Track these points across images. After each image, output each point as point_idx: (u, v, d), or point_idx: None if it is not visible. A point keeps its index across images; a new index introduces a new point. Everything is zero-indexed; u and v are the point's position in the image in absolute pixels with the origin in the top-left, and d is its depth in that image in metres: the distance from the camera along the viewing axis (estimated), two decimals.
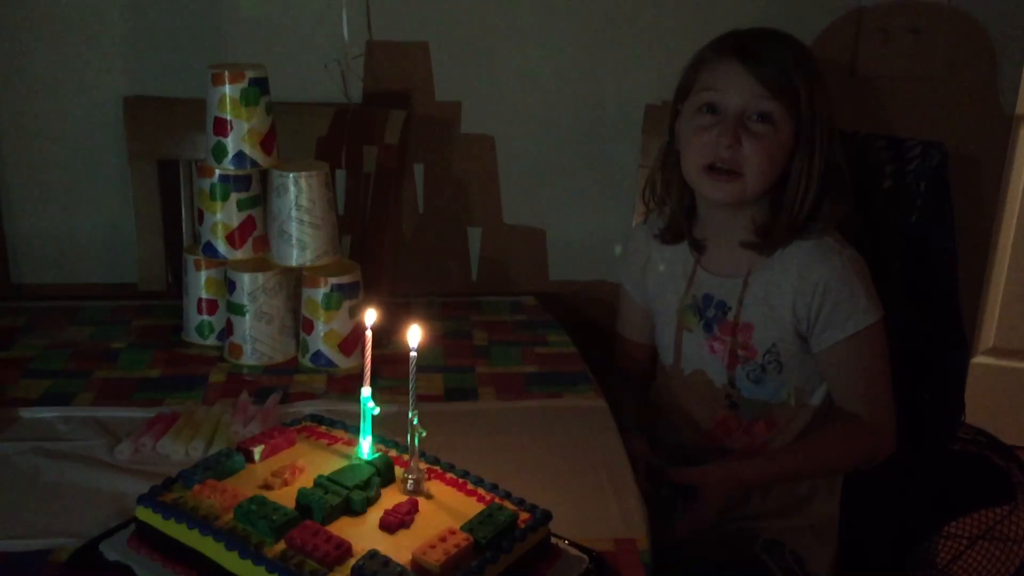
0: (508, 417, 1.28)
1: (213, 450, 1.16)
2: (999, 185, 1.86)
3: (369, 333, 1.00)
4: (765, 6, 1.70)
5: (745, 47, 1.30)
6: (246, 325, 1.41)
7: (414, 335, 0.95)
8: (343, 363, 1.41)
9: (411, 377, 0.95)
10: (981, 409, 2.42)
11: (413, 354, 0.95)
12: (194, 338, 1.49)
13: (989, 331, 2.83)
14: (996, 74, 1.73)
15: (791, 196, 1.32)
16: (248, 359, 1.42)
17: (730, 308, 1.38)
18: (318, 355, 1.41)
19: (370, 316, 1.01)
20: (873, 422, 1.35)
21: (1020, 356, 2.82)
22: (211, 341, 1.48)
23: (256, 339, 1.41)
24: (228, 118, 1.38)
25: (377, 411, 1.00)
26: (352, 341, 1.41)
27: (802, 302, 1.33)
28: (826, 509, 1.43)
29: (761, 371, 1.38)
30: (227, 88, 1.37)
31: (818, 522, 1.43)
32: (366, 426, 1.01)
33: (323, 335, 1.40)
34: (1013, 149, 2.64)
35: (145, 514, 0.94)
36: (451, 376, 1.39)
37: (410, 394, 0.96)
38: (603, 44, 1.72)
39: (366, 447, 1.01)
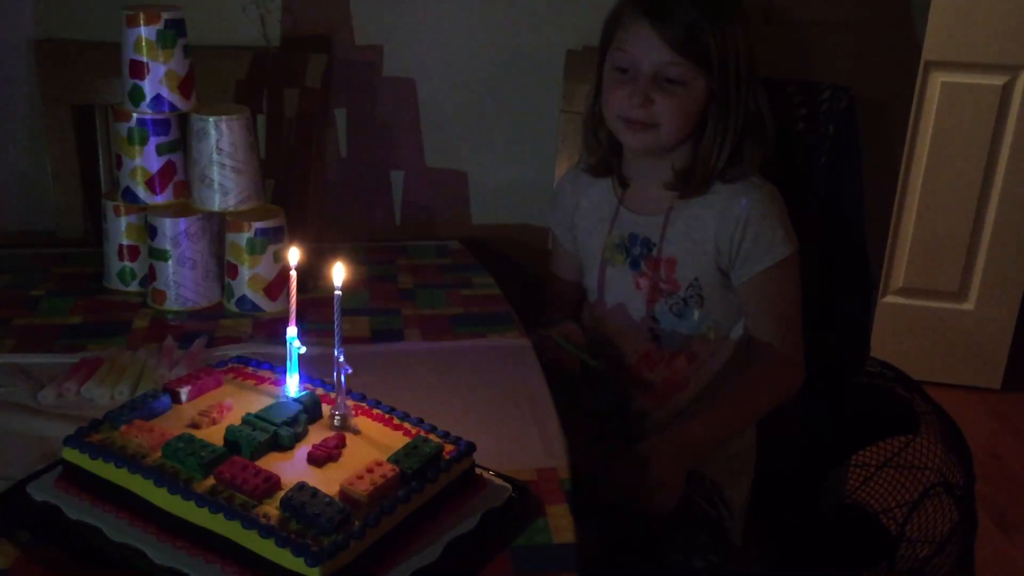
0: (434, 357, 1.31)
1: (139, 394, 1.16)
2: (907, 128, 1.92)
3: (294, 273, 1.01)
4: None
5: (655, 5, 1.32)
6: (169, 271, 1.40)
7: (338, 273, 0.97)
8: (269, 307, 1.42)
9: (336, 315, 0.97)
10: (891, 346, 2.54)
11: (338, 293, 0.97)
12: (116, 285, 1.48)
13: (899, 271, 2.95)
14: (905, 20, 1.79)
15: (707, 144, 1.37)
16: (172, 305, 1.42)
17: (654, 244, 1.43)
18: (243, 300, 1.41)
19: (293, 255, 1.02)
20: (785, 354, 1.41)
21: (928, 295, 2.95)
22: (133, 288, 1.47)
23: (180, 284, 1.41)
24: (144, 60, 1.36)
25: (303, 349, 1.02)
26: (277, 285, 1.41)
27: (725, 236, 1.38)
28: (743, 443, 1.50)
29: (683, 304, 1.43)
30: (142, 30, 1.35)
31: (735, 455, 1.49)
32: (292, 364, 1.02)
33: (248, 279, 1.40)
34: (923, 95, 2.74)
35: (72, 455, 0.95)
36: (377, 318, 1.40)
37: (335, 331, 0.97)
38: None
39: (293, 385, 1.03)
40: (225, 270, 1.43)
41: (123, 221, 1.45)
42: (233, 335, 1.35)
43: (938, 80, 2.73)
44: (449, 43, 1.75)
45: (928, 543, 1.66)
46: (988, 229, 2.86)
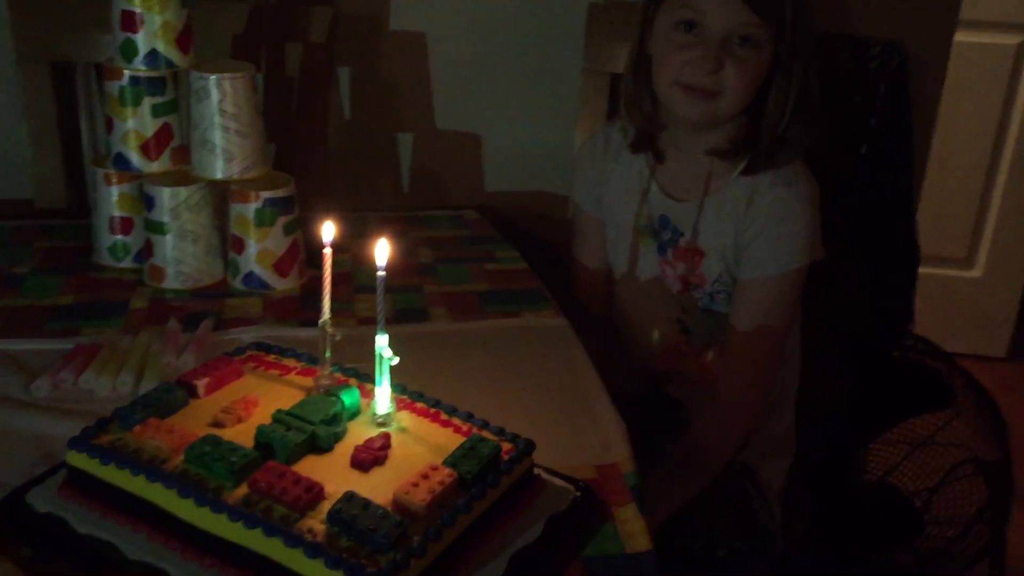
0: (465, 339, 1.20)
1: (144, 384, 1.05)
2: (941, 90, 1.82)
3: (328, 250, 0.90)
4: None
5: None
6: (168, 245, 1.28)
7: (382, 251, 0.86)
8: (279, 284, 1.30)
9: (379, 298, 0.86)
10: None
11: (381, 273, 0.86)
12: (107, 260, 1.35)
13: None
14: None
15: (768, 118, 1.22)
16: (172, 283, 1.29)
17: (683, 233, 1.31)
18: (250, 276, 1.29)
19: (328, 230, 0.91)
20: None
21: (935, 262, 2.85)
22: (127, 263, 1.35)
23: (180, 260, 1.29)
24: (137, 11, 1.22)
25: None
26: (288, 260, 1.29)
27: (742, 228, 1.26)
28: (782, 426, 1.41)
29: (710, 299, 1.33)
30: None
31: (776, 436, 1.40)
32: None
33: (256, 255, 1.28)
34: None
35: (79, 459, 0.83)
36: (398, 296, 1.29)
37: (378, 316, 0.86)
38: None
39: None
40: (230, 244, 1.30)
41: (115, 191, 1.32)
42: (242, 316, 1.23)
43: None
44: None
45: (955, 524, 1.59)
46: (998, 195, 2.78)
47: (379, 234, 1.45)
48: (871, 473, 1.72)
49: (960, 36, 2.61)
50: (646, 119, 1.29)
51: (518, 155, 1.72)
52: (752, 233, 1.25)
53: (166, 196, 1.26)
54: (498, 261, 1.42)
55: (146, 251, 1.30)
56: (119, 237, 1.34)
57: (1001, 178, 2.76)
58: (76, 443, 0.84)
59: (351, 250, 1.35)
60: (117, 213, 1.33)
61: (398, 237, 1.47)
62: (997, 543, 1.58)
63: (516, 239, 1.55)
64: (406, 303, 1.28)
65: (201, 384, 0.92)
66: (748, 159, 1.25)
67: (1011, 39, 2.62)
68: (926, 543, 1.59)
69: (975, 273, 2.87)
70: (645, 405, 1.39)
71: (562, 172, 1.68)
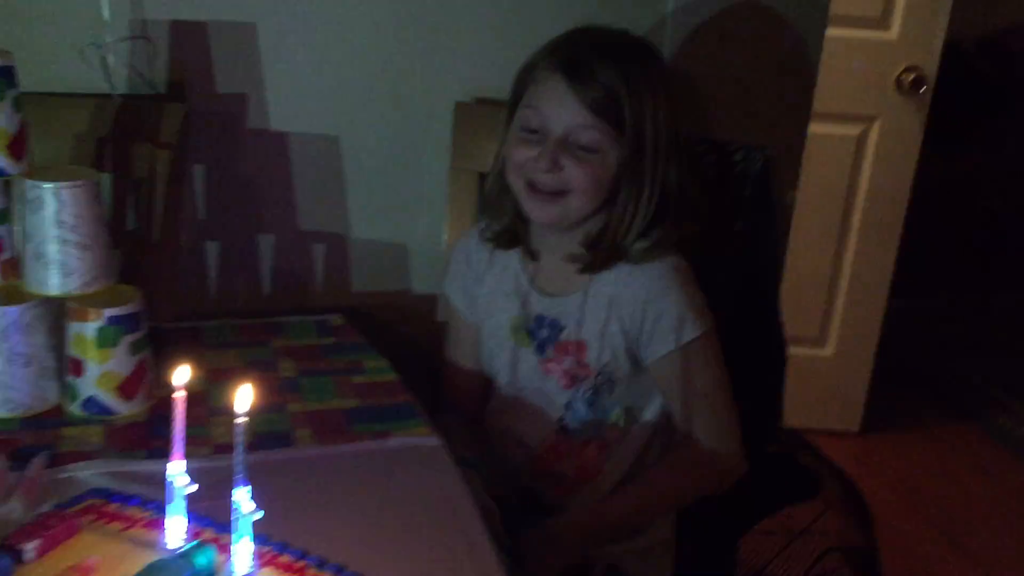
0: (332, 464, 1.12)
1: None
2: (797, 183, 1.88)
3: (183, 393, 0.81)
4: (573, 6, 1.60)
5: (575, 64, 1.20)
6: None
7: (243, 397, 0.78)
8: (123, 409, 1.18)
9: (237, 449, 0.78)
10: None
11: (240, 421, 0.78)
12: None
13: None
14: (797, 75, 1.75)
15: (617, 216, 1.25)
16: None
17: (563, 327, 1.30)
18: (91, 402, 1.17)
19: (182, 374, 0.82)
20: (714, 445, 1.30)
21: (790, 342, 2.95)
22: None
23: (8, 386, 1.16)
24: None
25: (193, 487, 0.81)
26: (133, 382, 1.18)
27: (626, 315, 1.27)
28: (663, 532, 1.39)
29: (594, 392, 1.31)
30: None
31: (656, 544, 1.38)
32: (176, 507, 0.82)
33: (96, 378, 1.16)
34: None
35: None
36: (259, 418, 1.17)
37: (236, 469, 0.78)
38: (410, 33, 1.56)
39: (175, 534, 0.82)
40: (66, 366, 1.18)
41: None
42: (81, 448, 1.11)
43: None
44: (325, 92, 1.57)
45: None
46: (845, 276, 2.90)
47: (237, 345, 1.38)
48: (747, 565, 1.72)
49: (809, 127, 2.76)
50: (510, 216, 1.31)
51: (385, 255, 1.66)
52: (639, 316, 1.26)
53: None
54: (366, 373, 1.34)
55: None
56: None
57: (847, 260, 2.87)
58: None
59: (206, 365, 1.27)
60: None
61: (258, 347, 1.40)
62: None
63: (383, 341, 1.48)
64: (268, 425, 1.18)
65: (30, 547, 0.81)
66: (588, 260, 1.27)
67: (854, 130, 2.76)
68: None
69: (827, 352, 2.96)
70: (518, 513, 1.35)
71: (430, 271, 1.64)
